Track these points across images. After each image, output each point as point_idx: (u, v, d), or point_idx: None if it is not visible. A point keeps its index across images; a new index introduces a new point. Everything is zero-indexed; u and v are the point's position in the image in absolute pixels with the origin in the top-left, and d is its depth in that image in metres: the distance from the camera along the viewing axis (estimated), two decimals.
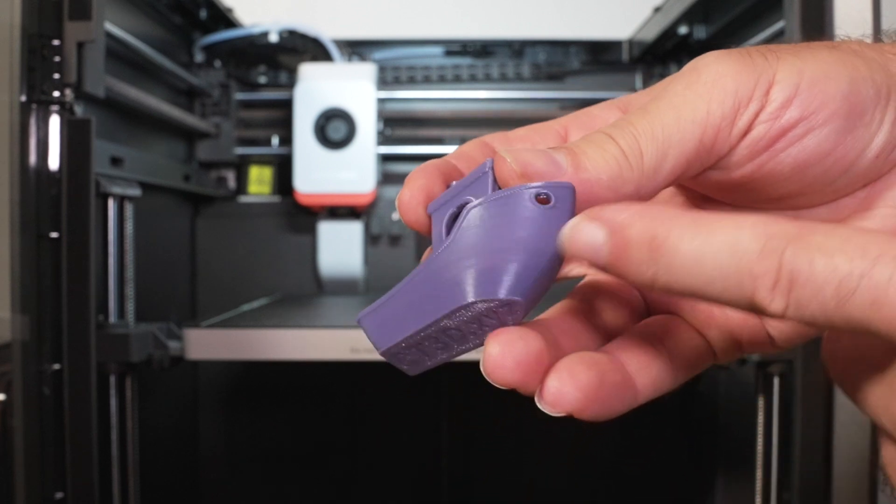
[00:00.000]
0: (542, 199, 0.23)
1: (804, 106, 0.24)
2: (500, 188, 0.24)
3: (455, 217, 0.25)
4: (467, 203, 0.24)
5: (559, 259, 0.24)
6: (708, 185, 0.26)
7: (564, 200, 0.23)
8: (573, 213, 0.23)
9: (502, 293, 0.23)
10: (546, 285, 0.24)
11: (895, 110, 0.25)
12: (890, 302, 0.19)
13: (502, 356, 0.23)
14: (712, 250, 0.20)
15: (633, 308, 0.29)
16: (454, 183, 0.26)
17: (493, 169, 0.24)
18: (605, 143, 0.24)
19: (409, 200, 0.26)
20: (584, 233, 0.22)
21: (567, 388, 0.23)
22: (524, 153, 0.23)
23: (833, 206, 0.27)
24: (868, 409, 0.22)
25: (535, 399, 0.23)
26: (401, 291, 0.25)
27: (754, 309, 0.20)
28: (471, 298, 0.23)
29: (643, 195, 0.24)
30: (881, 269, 0.19)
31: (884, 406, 0.22)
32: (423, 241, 1.16)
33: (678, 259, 0.21)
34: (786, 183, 0.26)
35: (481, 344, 0.24)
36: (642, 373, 0.25)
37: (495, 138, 0.29)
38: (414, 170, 0.27)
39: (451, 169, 0.27)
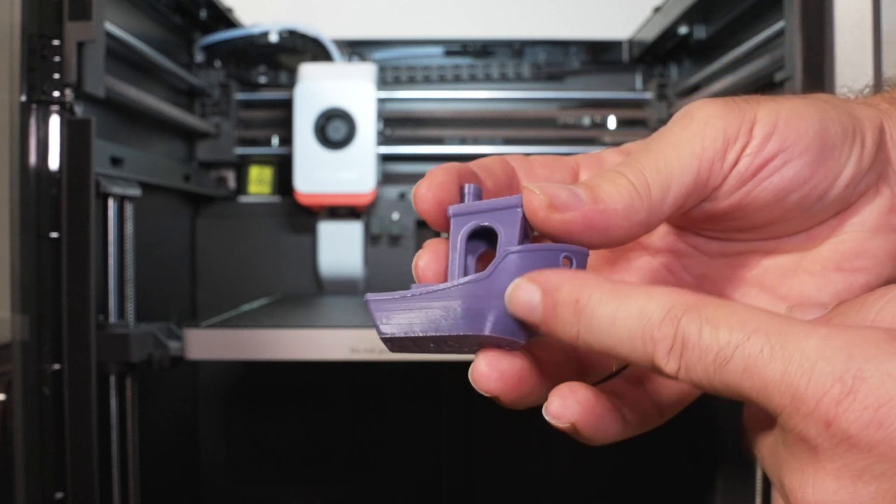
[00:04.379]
0: (566, 260, 0.27)
1: (782, 140, 0.27)
2: (527, 221, 0.27)
3: (476, 232, 0.28)
4: (492, 228, 0.27)
5: None
6: (701, 217, 0.29)
7: (581, 263, 0.27)
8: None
9: (522, 338, 0.26)
10: None
11: (860, 147, 0.28)
12: (759, 371, 0.21)
13: (489, 369, 0.27)
14: (623, 315, 0.24)
15: None
16: (468, 188, 0.28)
17: (522, 206, 0.27)
18: (616, 178, 0.27)
19: (426, 193, 0.28)
20: (523, 291, 0.25)
21: (569, 402, 0.26)
22: (550, 187, 0.26)
23: (808, 234, 0.30)
24: (764, 466, 0.25)
25: (543, 411, 0.27)
26: (421, 297, 0.27)
27: (654, 369, 0.23)
28: (490, 333, 0.26)
29: (652, 223, 0.27)
30: (754, 342, 0.21)
31: (770, 464, 0.24)
32: (423, 241, 1.16)
33: (596, 320, 0.24)
34: (768, 210, 0.29)
35: (472, 353, 0.27)
36: (630, 407, 0.29)
37: (515, 158, 0.32)
38: (436, 167, 0.29)
39: (470, 175, 0.30)
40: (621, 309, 0.24)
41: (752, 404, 0.22)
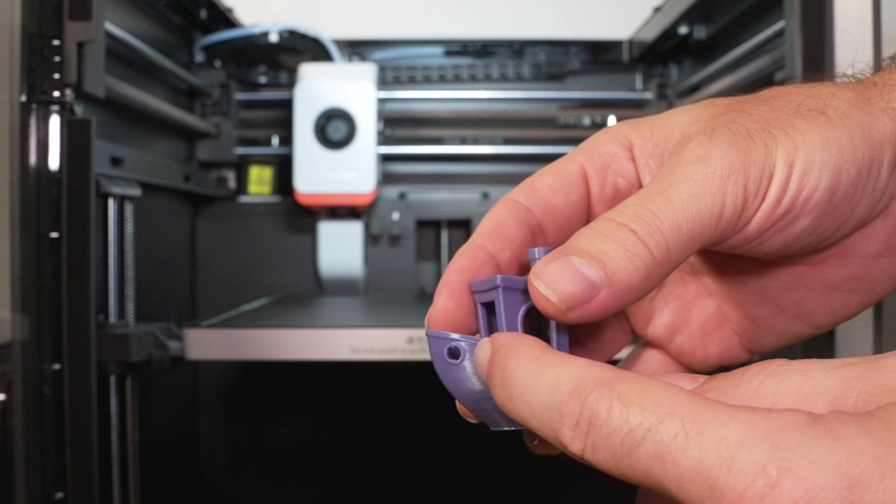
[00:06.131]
0: None
1: (791, 201, 0.26)
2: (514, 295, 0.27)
3: (486, 305, 0.28)
4: (490, 302, 0.27)
5: None
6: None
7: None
8: None
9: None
10: None
11: (875, 181, 0.27)
12: (672, 459, 0.19)
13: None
14: (538, 386, 0.22)
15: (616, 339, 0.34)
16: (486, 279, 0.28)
17: (502, 287, 0.27)
18: (634, 247, 0.25)
19: (437, 317, 0.28)
20: (482, 350, 0.25)
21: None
22: (560, 282, 0.24)
23: (812, 254, 0.30)
24: None
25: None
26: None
27: (560, 447, 0.22)
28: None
29: (668, 275, 0.26)
30: (668, 426, 0.20)
31: None
32: (423, 241, 1.16)
33: (515, 388, 0.23)
34: (769, 254, 0.28)
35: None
36: None
37: (522, 193, 0.30)
38: (440, 283, 0.28)
39: (478, 264, 0.28)
40: (537, 378, 0.23)
41: (663, 494, 0.20)
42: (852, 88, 0.28)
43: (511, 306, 0.27)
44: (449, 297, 0.28)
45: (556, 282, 0.24)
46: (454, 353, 0.27)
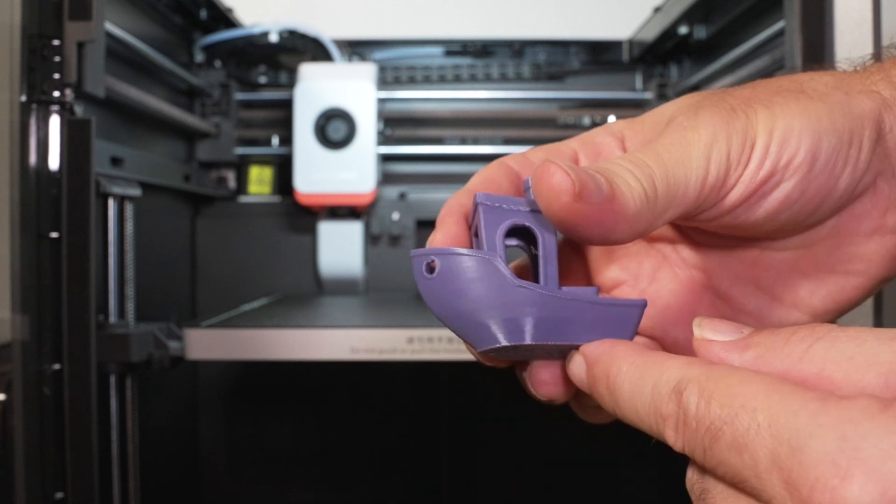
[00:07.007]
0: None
1: (773, 164, 0.27)
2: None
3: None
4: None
5: None
6: (700, 224, 0.30)
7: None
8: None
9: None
10: None
11: (857, 152, 0.28)
12: (748, 450, 0.20)
13: (552, 377, 0.29)
14: (640, 390, 0.23)
15: None
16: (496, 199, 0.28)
17: (483, 204, 0.27)
18: (631, 180, 0.25)
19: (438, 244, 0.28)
20: (575, 364, 0.26)
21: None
22: (579, 171, 0.24)
23: (803, 236, 0.30)
24: None
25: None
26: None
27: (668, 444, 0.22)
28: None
29: (645, 233, 0.27)
30: (742, 418, 0.20)
31: None
32: (423, 241, 1.16)
33: (621, 396, 0.24)
34: (758, 227, 0.29)
35: (552, 358, 0.29)
36: None
37: (514, 159, 0.31)
38: (441, 212, 0.29)
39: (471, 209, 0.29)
40: (638, 384, 0.23)
41: (745, 485, 0.20)
42: (831, 74, 0.30)
43: (491, 223, 0.27)
44: (454, 224, 0.29)
45: (577, 171, 0.24)
46: (431, 269, 0.27)
